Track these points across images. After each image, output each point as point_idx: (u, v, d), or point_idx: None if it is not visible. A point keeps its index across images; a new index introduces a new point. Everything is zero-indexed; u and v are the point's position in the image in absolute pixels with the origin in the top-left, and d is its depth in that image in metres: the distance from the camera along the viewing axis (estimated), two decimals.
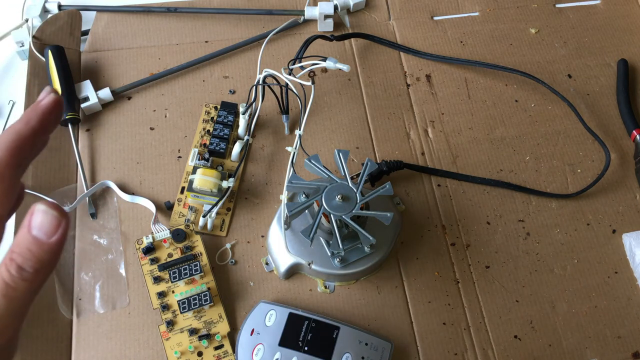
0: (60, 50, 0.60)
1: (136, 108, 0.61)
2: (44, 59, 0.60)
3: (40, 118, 0.28)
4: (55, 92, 0.29)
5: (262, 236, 0.55)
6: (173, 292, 0.51)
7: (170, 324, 0.50)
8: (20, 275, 0.25)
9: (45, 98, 0.28)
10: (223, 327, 0.50)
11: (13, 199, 0.26)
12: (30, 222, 0.25)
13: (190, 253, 0.52)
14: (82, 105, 0.59)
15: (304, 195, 0.51)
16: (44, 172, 0.56)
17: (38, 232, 0.25)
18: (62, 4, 0.65)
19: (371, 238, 0.47)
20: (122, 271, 0.53)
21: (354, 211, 0.47)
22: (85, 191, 0.55)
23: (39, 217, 0.26)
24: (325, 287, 0.53)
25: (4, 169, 0.26)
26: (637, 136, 0.61)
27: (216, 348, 0.50)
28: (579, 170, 0.60)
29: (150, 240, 0.52)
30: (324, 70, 0.64)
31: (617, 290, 0.54)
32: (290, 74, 0.54)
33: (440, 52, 0.66)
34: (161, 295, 0.51)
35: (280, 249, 0.52)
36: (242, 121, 0.58)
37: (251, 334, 0.49)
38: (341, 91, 0.63)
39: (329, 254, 0.51)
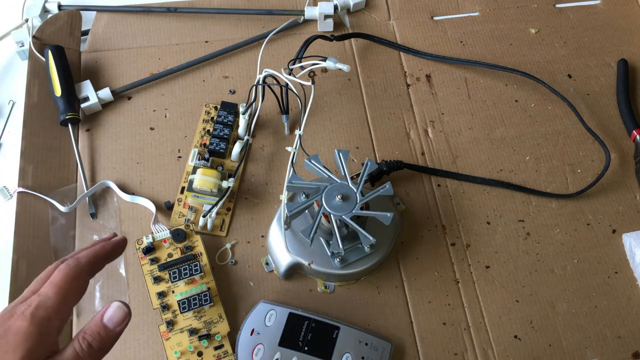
0: (60, 50, 0.60)
1: (136, 108, 0.61)
2: (44, 59, 0.60)
3: (112, 248, 0.41)
4: (120, 236, 0.43)
5: (262, 236, 0.55)
6: (173, 292, 0.51)
7: (170, 324, 0.50)
8: (88, 351, 0.34)
9: (113, 238, 0.43)
10: (223, 327, 0.50)
11: (82, 295, 0.37)
12: (105, 312, 0.36)
13: (190, 253, 0.52)
14: (82, 105, 0.59)
15: (304, 195, 0.51)
16: (44, 172, 0.56)
17: (109, 322, 0.36)
18: (62, 4, 0.65)
19: (371, 238, 0.47)
20: (122, 271, 0.53)
21: (354, 211, 0.47)
22: (85, 191, 0.55)
23: (112, 311, 0.36)
24: (325, 287, 0.53)
25: (83, 274, 0.37)
26: (637, 136, 0.61)
27: (216, 348, 0.50)
28: (579, 170, 0.60)
29: (150, 240, 0.52)
30: (324, 70, 0.64)
31: (617, 290, 0.54)
32: (290, 74, 0.54)
33: (440, 52, 0.66)
34: (161, 295, 0.51)
35: (280, 249, 0.52)
36: (242, 121, 0.58)
37: (251, 334, 0.49)
38: (341, 91, 0.63)
39: (329, 254, 0.51)
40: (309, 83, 0.53)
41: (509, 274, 0.55)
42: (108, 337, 0.35)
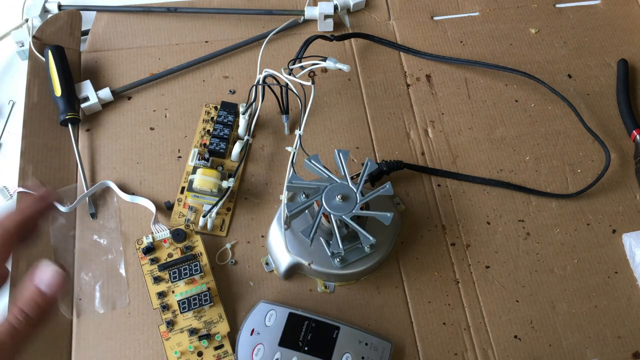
0: (60, 50, 0.60)
1: (136, 108, 0.61)
2: (44, 59, 0.60)
3: (39, 205, 0.36)
4: (44, 189, 0.37)
5: (262, 236, 0.55)
6: (173, 292, 0.51)
7: (170, 324, 0.50)
8: (26, 321, 0.31)
9: (39, 191, 0.37)
10: (223, 327, 0.50)
11: (7, 256, 0.34)
12: (36, 277, 0.32)
13: (190, 253, 0.52)
14: (82, 105, 0.59)
15: (304, 195, 0.51)
16: (44, 172, 0.56)
17: (43, 286, 0.32)
18: (62, 4, 0.65)
19: (371, 238, 0.47)
20: (122, 271, 0.53)
21: (354, 211, 0.47)
22: (85, 191, 0.55)
23: (45, 274, 0.32)
24: (325, 287, 0.53)
25: (9, 238, 0.34)
26: (637, 136, 0.61)
27: (216, 348, 0.50)
28: (579, 170, 0.60)
29: (150, 240, 0.52)
30: (324, 70, 0.64)
31: (617, 290, 0.54)
32: (290, 74, 0.54)
33: (440, 52, 0.66)
34: (161, 295, 0.51)
35: (280, 249, 0.52)
36: (242, 121, 0.58)
37: (251, 334, 0.49)
38: (341, 91, 0.63)
39: (329, 254, 0.51)
40: (309, 83, 0.53)
41: (509, 274, 0.55)
42: (46, 303, 0.32)
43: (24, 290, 0.32)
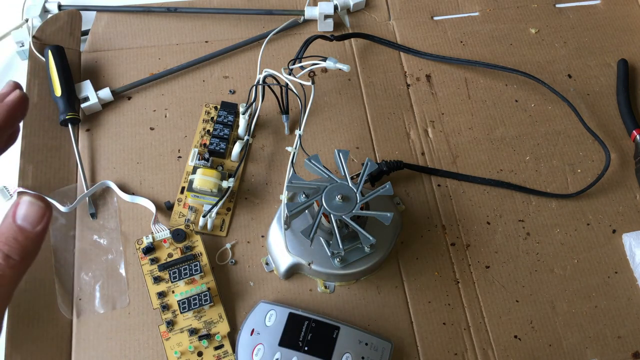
0: (60, 50, 0.60)
1: (136, 108, 0.61)
2: (44, 59, 0.60)
3: (7, 114, 0.30)
4: (20, 87, 0.31)
5: (262, 236, 0.55)
6: (173, 292, 0.51)
7: (170, 324, 0.50)
8: (7, 263, 0.27)
9: (11, 94, 0.31)
10: (223, 327, 0.50)
11: None
12: (15, 213, 0.27)
13: (190, 253, 0.52)
14: (82, 105, 0.59)
15: (304, 195, 0.51)
16: (44, 172, 0.56)
17: (23, 222, 0.27)
18: (62, 4, 0.65)
19: (371, 238, 0.47)
20: (122, 271, 0.53)
21: (354, 211, 0.47)
22: (85, 191, 0.55)
23: (24, 208, 0.28)
24: (325, 287, 0.53)
25: None
26: (637, 136, 0.61)
27: (216, 348, 0.50)
28: (579, 170, 0.60)
29: (150, 240, 0.52)
30: (324, 70, 0.64)
31: (617, 290, 0.54)
32: (290, 74, 0.54)
33: (440, 52, 0.66)
34: (161, 295, 0.51)
35: (280, 249, 0.52)
36: (242, 121, 0.58)
37: (251, 334, 0.49)
38: (341, 91, 0.63)
39: (329, 254, 0.51)
40: (309, 83, 0.53)
41: (509, 274, 0.55)
42: (29, 241, 0.28)
43: (1, 227, 0.28)
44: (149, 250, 0.52)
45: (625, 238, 0.57)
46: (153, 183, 0.57)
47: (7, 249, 0.27)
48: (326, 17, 0.66)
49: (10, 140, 0.32)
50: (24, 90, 0.32)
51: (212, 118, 0.60)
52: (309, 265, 0.51)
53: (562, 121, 0.63)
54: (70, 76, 0.59)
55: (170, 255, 0.52)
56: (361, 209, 0.48)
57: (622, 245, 0.57)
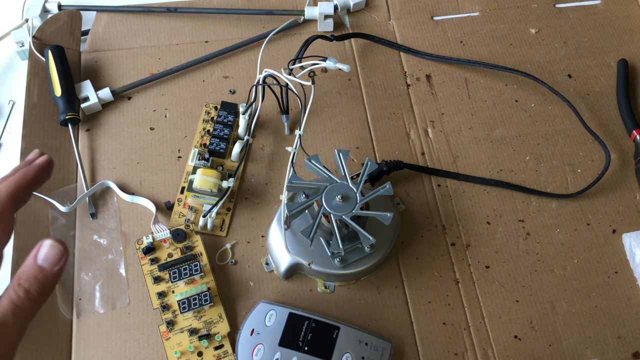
0: (60, 50, 0.60)
1: (136, 108, 0.61)
2: (44, 59, 0.60)
3: (35, 174, 0.35)
4: (44, 154, 0.36)
5: (262, 236, 0.55)
6: (173, 292, 0.51)
7: (170, 324, 0.50)
8: (27, 297, 0.30)
9: (38, 158, 0.36)
10: (223, 327, 0.50)
11: (10, 234, 0.32)
12: (37, 254, 0.32)
13: (190, 253, 0.52)
14: (82, 105, 0.59)
15: (304, 195, 0.51)
16: None
17: (44, 263, 0.31)
18: (62, 4, 0.65)
19: (371, 238, 0.47)
20: (122, 271, 0.53)
21: (354, 211, 0.47)
22: (85, 191, 0.55)
23: (45, 250, 0.32)
24: (325, 287, 0.53)
25: (6, 212, 0.32)
26: (637, 136, 0.61)
27: (216, 348, 0.50)
28: (579, 170, 0.60)
29: (150, 240, 0.52)
30: (324, 70, 0.64)
31: (617, 290, 0.54)
32: (290, 74, 0.54)
33: (440, 52, 0.66)
34: (161, 295, 0.51)
35: (280, 249, 0.52)
36: (242, 121, 0.58)
37: (251, 334, 0.49)
38: (341, 91, 0.63)
39: (329, 254, 0.51)
40: (309, 83, 0.53)
41: (509, 274, 0.55)
42: (47, 280, 0.31)
43: (23, 266, 0.31)
44: (149, 250, 0.52)
45: (625, 238, 0.57)
46: (153, 183, 0.57)
47: (27, 285, 0.31)
48: (326, 17, 0.66)
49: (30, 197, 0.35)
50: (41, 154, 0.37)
51: (212, 118, 0.60)
52: (309, 265, 0.51)
53: (562, 121, 0.63)
54: (70, 76, 0.60)
55: (170, 255, 0.52)
56: (361, 209, 0.48)
57: (622, 245, 0.57)
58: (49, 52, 0.59)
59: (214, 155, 0.58)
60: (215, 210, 0.53)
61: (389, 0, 0.70)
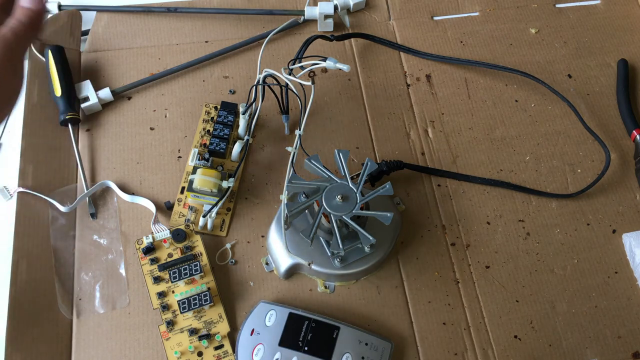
0: (60, 50, 0.60)
1: (136, 108, 0.61)
2: (44, 59, 0.60)
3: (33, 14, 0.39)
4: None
5: (262, 236, 0.55)
6: (173, 292, 0.51)
7: (170, 324, 0.50)
8: (20, 24, 0.37)
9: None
10: (223, 327, 0.50)
11: (20, 81, 0.39)
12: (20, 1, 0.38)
13: (190, 253, 0.52)
14: (82, 105, 0.59)
15: (304, 195, 0.51)
16: (44, 172, 0.56)
17: (28, 3, 0.37)
18: (62, 4, 0.65)
19: (371, 238, 0.47)
20: (122, 271, 0.53)
21: (354, 211, 0.47)
22: (85, 191, 0.55)
23: None
24: (325, 287, 0.53)
25: (18, 51, 0.37)
26: (637, 136, 0.61)
27: (216, 348, 0.50)
28: (579, 170, 0.60)
29: (150, 240, 0.52)
30: (324, 70, 0.64)
31: (617, 290, 0.54)
32: (290, 74, 0.54)
33: (440, 52, 0.66)
34: (161, 295, 0.51)
35: (280, 249, 0.52)
36: (242, 121, 0.58)
37: (251, 334, 0.49)
38: (341, 91, 0.63)
39: (329, 254, 0.51)
40: (309, 83, 0.53)
41: (509, 274, 0.55)
42: (33, 13, 0.37)
43: (13, 12, 0.37)
44: (149, 250, 0.52)
45: (625, 238, 0.57)
46: (153, 183, 0.57)
47: (19, 17, 0.37)
48: (326, 17, 0.66)
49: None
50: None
51: (212, 118, 0.60)
52: (309, 265, 0.51)
53: (562, 121, 0.63)
54: (70, 76, 0.60)
55: (170, 255, 0.53)
56: (361, 209, 0.48)
57: (622, 245, 0.57)
58: (49, 52, 0.59)
59: (214, 155, 0.58)
60: (215, 210, 0.53)
61: (389, 0, 0.70)
